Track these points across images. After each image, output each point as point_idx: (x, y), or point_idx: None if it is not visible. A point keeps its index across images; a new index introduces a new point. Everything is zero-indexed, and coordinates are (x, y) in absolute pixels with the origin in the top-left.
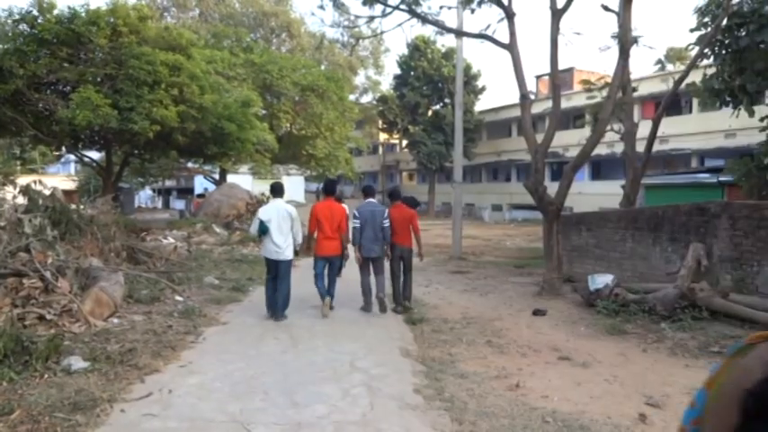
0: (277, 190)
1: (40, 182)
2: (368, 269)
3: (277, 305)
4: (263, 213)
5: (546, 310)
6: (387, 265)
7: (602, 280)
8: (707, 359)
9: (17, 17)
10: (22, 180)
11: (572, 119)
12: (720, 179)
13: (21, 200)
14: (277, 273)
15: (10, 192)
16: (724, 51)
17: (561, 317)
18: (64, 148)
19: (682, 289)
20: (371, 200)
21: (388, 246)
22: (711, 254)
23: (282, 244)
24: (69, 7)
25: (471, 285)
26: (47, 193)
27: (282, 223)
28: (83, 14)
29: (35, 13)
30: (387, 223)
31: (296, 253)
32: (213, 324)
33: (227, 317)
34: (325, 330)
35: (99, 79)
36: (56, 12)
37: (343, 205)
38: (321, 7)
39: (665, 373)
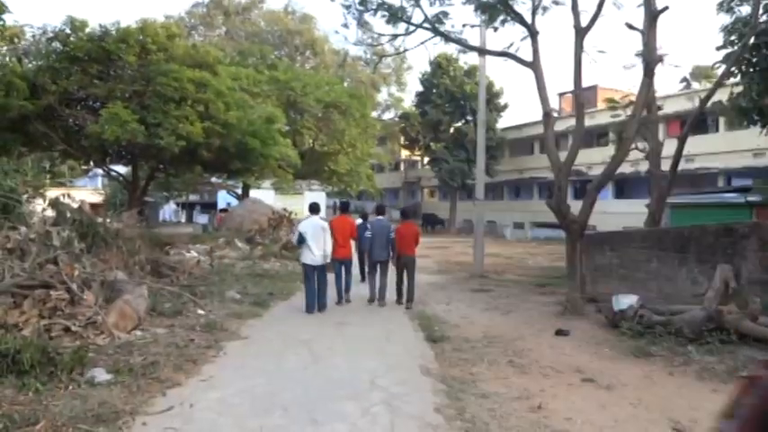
0: (314, 208)
1: (69, 195)
2: (375, 271)
3: (320, 300)
4: (302, 227)
5: (569, 331)
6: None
7: (626, 300)
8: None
9: (51, 35)
10: (51, 193)
11: (596, 137)
12: (748, 199)
13: (50, 212)
14: (315, 275)
15: (39, 205)
16: (751, 70)
17: (585, 337)
18: (92, 163)
19: (709, 311)
20: (381, 217)
21: (395, 253)
22: (740, 276)
23: (317, 252)
24: (101, 25)
25: (493, 304)
26: (75, 206)
27: (317, 235)
28: (113, 33)
29: (68, 31)
30: (392, 236)
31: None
32: (234, 338)
33: (248, 331)
34: (345, 347)
35: (127, 95)
36: (87, 30)
37: (359, 220)
38: (345, 26)
39: (691, 397)
